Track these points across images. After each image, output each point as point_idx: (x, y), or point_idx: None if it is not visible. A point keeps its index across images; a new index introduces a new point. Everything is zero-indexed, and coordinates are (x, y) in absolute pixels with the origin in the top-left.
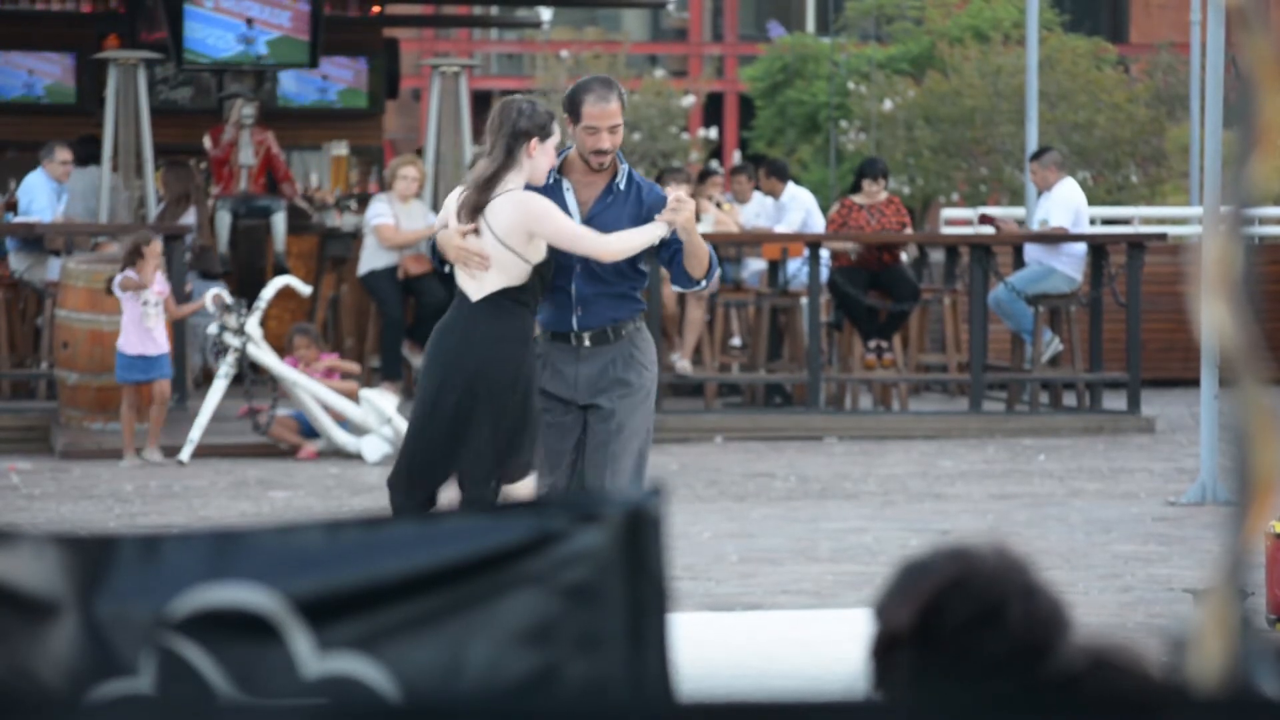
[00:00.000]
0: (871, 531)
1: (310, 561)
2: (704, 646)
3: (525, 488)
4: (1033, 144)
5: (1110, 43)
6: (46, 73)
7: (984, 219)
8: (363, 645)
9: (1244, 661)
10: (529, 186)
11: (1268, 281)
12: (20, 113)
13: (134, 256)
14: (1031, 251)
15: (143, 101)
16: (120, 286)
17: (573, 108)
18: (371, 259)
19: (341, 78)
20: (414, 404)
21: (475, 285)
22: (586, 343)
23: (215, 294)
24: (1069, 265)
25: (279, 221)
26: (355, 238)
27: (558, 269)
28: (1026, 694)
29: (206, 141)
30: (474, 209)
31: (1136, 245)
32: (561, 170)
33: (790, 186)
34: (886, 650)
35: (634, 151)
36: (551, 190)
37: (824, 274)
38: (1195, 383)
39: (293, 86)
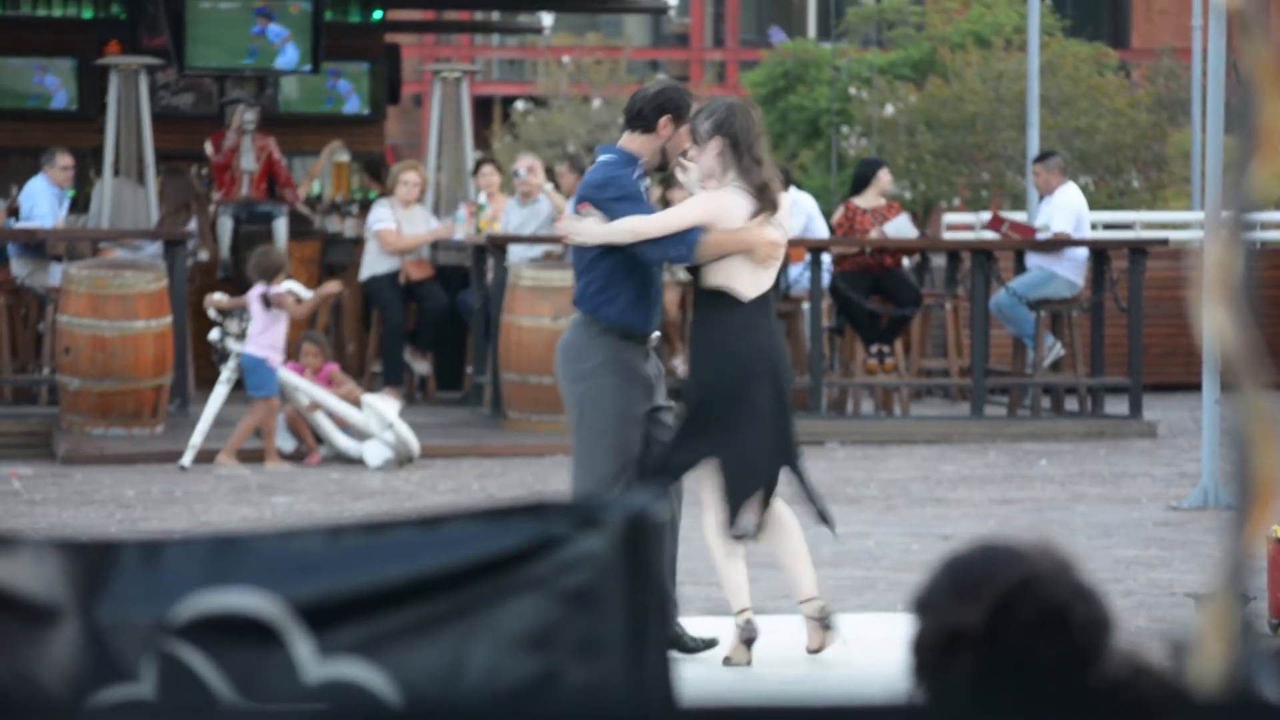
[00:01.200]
0: (873, 536)
1: (311, 567)
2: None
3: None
4: (1034, 149)
5: (1112, 48)
6: (49, 78)
7: (996, 222)
8: (364, 650)
9: (1245, 666)
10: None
11: (1268, 286)
12: (22, 118)
13: (272, 274)
14: (1033, 256)
15: (144, 107)
16: (277, 302)
17: (682, 113)
18: (373, 264)
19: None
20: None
21: (753, 283)
22: (653, 342)
23: (216, 299)
24: (1070, 270)
25: (280, 227)
26: (357, 243)
27: (650, 268)
28: (1071, 700)
29: (208, 147)
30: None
31: (1138, 250)
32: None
33: (791, 192)
34: (945, 649)
35: None
36: (637, 189)
37: (825, 279)
38: (1197, 387)
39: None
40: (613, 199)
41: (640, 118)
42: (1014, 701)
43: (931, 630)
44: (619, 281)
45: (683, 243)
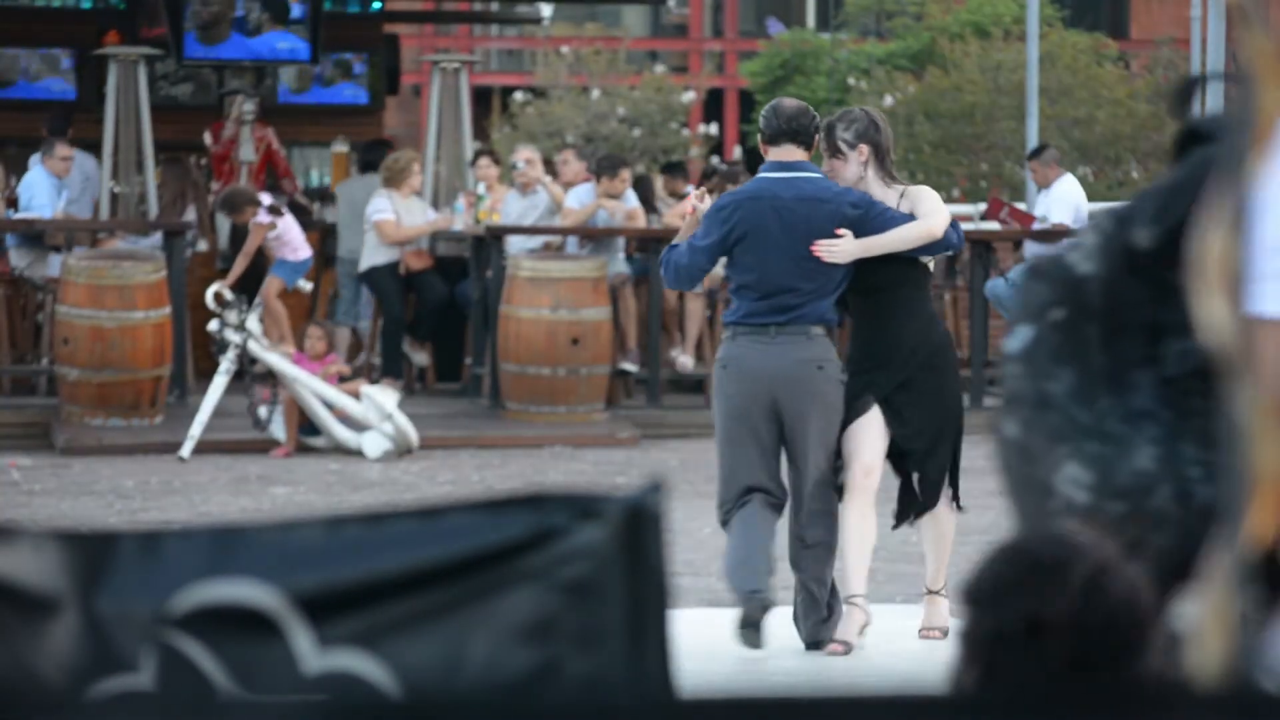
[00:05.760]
0: None
1: (311, 558)
2: (704, 643)
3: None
4: (1033, 140)
5: (1111, 38)
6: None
7: (995, 205)
8: (363, 641)
9: (1244, 657)
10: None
11: None
12: (20, 108)
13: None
14: (1032, 248)
15: (143, 98)
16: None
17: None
18: (372, 255)
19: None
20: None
21: None
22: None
23: (215, 290)
24: None
25: None
26: None
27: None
28: (1029, 682)
29: (207, 138)
30: None
31: None
32: None
33: None
34: (1025, 639)
35: (634, 148)
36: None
37: None
38: None
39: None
40: (882, 210)
41: (797, 135)
42: (1062, 692)
43: (994, 622)
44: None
45: (955, 230)
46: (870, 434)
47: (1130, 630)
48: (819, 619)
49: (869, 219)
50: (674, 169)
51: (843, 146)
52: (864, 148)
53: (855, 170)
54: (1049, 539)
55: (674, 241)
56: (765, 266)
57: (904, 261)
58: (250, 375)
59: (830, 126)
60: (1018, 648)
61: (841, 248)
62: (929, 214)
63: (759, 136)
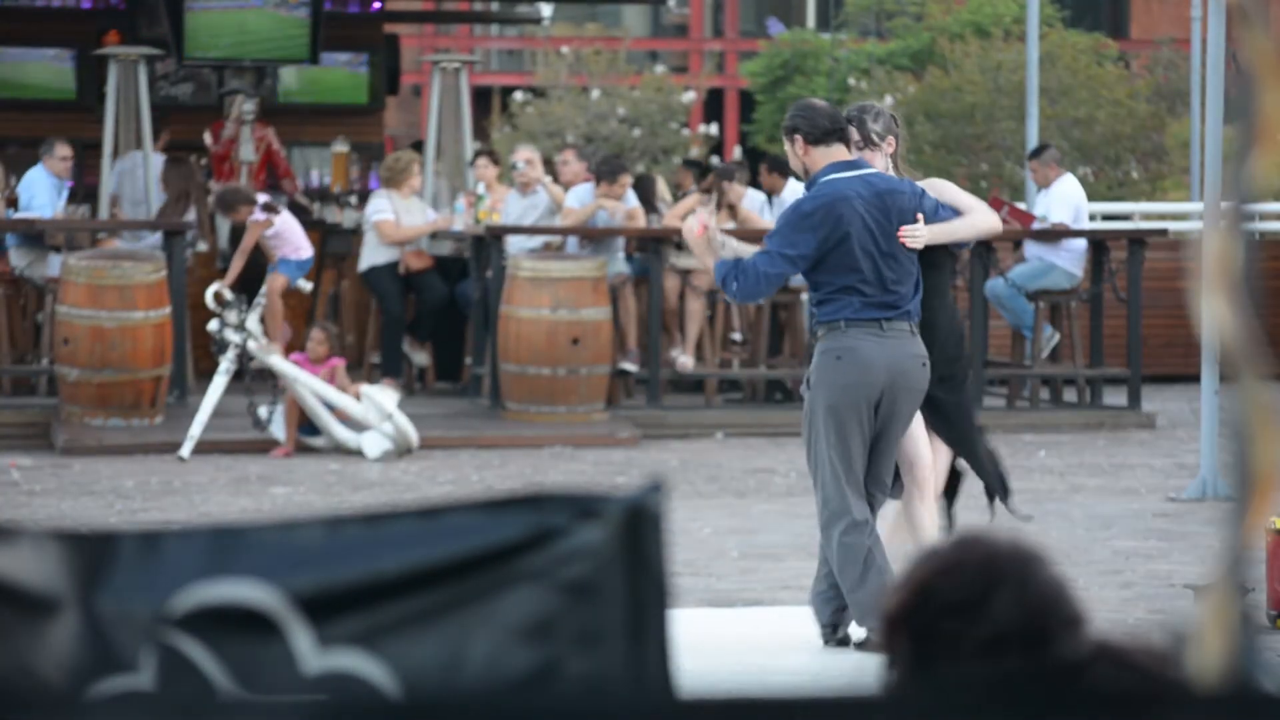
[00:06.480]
0: None
1: (311, 558)
2: (704, 642)
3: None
4: (1033, 140)
5: (1111, 38)
6: (47, 68)
7: (995, 205)
8: (363, 641)
9: (1244, 657)
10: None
11: (1268, 277)
12: (20, 108)
13: (240, 202)
14: (1031, 247)
15: (143, 97)
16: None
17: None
18: (372, 255)
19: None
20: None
21: None
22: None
23: (215, 290)
24: (1069, 261)
25: None
26: (355, 234)
27: None
28: (1025, 683)
29: (207, 137)
30: None
31: (1137, 241)
32: None
33: (791, 182)
34: (888, 635)
35: (634, 148)
36: None
37: None
38: (1196, 378)
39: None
40: (934, 200)
41: (844, 134)
42: (959, 689)
43: (881, 618)
44: None
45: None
46: (915, 430)
47: (990, 621)
48: (840, 606)
49: (927, 205)
50: (690, 165)
51: (875, 139)
52: (891, 140)
53: (883, 162)
54: (944, 541)
55: (699, 262)
56: (869, 265)
57: (937, 250)
58: (250, 375)
59: (860, 120)
60: (885, 642)
61: (921, 232)
62: (973, 207)
63: (799, 139)
